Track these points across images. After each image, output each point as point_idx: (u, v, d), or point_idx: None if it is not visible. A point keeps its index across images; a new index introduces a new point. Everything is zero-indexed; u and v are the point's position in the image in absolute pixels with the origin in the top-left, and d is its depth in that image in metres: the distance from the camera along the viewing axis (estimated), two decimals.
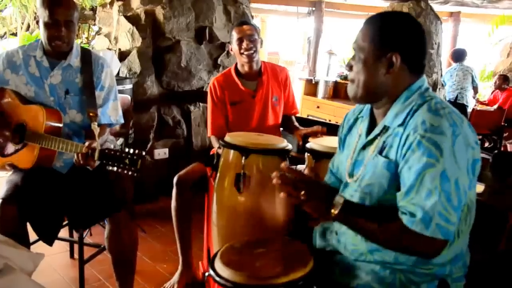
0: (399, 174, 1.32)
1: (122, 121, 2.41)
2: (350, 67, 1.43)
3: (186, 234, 2.65)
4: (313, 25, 7.27)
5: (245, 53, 2.65)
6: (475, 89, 6.79)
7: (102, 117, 2.29)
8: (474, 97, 6.89)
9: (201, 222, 2.71)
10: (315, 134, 2.54)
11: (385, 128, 1.40)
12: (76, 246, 2.88)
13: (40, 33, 2.19)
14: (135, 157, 1.85)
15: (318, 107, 6.14)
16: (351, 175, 1.52)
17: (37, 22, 2.29)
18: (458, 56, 6.63)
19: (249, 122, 2.72)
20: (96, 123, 2.15)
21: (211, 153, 2.86)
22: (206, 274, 1.52)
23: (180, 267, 2.68)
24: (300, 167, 2.29)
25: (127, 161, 1.85)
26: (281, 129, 2.90)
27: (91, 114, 2.16)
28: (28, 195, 2.11)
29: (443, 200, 1.23)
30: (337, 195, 1.37)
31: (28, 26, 6.54)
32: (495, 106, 6.77)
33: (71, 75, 2.23)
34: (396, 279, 1.38)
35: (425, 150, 1.25)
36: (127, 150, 1.87)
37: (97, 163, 1.98)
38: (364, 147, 1.48)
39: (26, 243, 2.11)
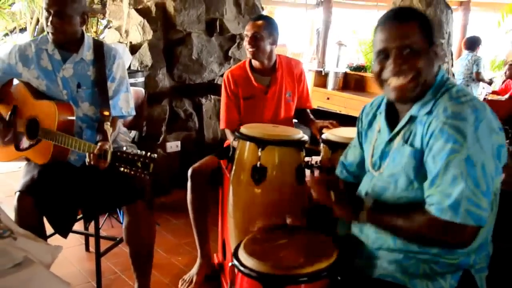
0: (425, 164, 1.32)
1: (134, 113, 2.40)
2: (399, 67, 1.34)
3: (203, 226, 2.65)
4: (321, 16, 7.24)
5: (249, 49, 2.64)
6: (477, 75, 6.50)
7: (113, 109, 2.27)
8: (477, 84, 6.69)
9: (215, 215, 2.71)
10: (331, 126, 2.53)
11: (412, 119, 1.39)
12: (91, 240, 2.92)
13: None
14: (147, 160, 1.84)
15: (328, 98, 6.12)
16: (375, 167, 1.51)
17: None
18: (471, 44, 6.50)
19: (261, 117, 2.70)
20: (109, 123, 2.14)
21: (225, 145, 2.87)
22: (230, 264, 1.52)
23: (198, 260, 2.69)
24: (315, 158, 2.30)
25: (139, 164, 1.85)
26: (295, 120, 2.89)
27: (105, 113, 2.16)
28: (44, 188, 2.12)
29: (471, 185, 1.22)
30: (365, 197, 1.40)
31: (37, 21, 6.56)
32: (507, 96, 6.70)
33: (83, 68, 2.23)
34: (419, 269, 1.37)
35: (448, 136, 1.24)
36: (139, 152, 1.87)
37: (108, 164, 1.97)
38: (390, 140, 1.46)
39: (43, 236, 2.12)
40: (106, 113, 2.16)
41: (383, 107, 1.52)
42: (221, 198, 2.68)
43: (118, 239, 2.61)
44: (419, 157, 1.34)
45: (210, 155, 2.72)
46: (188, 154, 3.80)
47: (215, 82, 4.04)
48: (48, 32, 2.17)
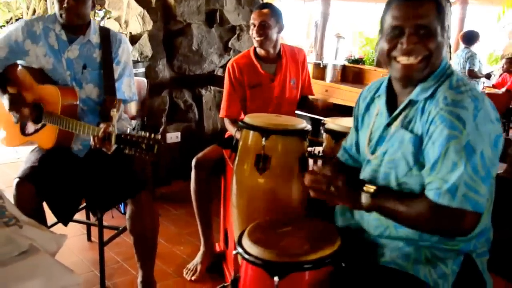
0: (423, 151, 1.33)
1: (136, 98, 2.43)
2: (413, 44, 1.34)
3: (206, 216, 2.67)
4: (320, 9, 7.24)
5: (256, 38, 2.64)
6: (470, 73, 6.41)
7: (117, 92, 2.29)
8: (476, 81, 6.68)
9: (216, 205, 2.73)
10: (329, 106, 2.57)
11: (411, 103, 1.40)
12: (93, 229, 2.93)
13: (55, 8, 2.21)
14: (151, 142, 1.85)
15: (326, 90, 6.13)
16: (373, 152, 1.52)
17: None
18: (469, 39, 6.48)
19: (267, 105, 2.71)
20: (115, 110, 2.15)
21: (226, 135, 2.88)
22: (234, 252, 1.52)
23: (202, 248, 2.71)
24: (318, 148, 2.31)
25: (143, 146, 1.86)
26: (296, 111, 2.90)
27: (109, 106, 2.17)
28: (45, 175, 2.12)
29: (469, 171, 1.23)
30: (367, 184, 1.39)
31: (34, 11, 6.51)
32: (503, 89, 6.74)
33: (89, 50, 2.25)
34: (421, 256, 1.39)
35: (447, 123, 1.25)
36: (143, 134, 1.87)
37: (114, 147, 1.98)
38: (388, 124, 1.47)
39: (43, 224, 2.13)
40: (110, 105, 2.17)
41: (383, 90, 1.52)
42: (223, 188, 2.69)
43: (120, 228, 2.62)
44: (418, 143, 1.34)
45: (213, 144, 2.73)
46: (188, 145, 3.80)
47: (215, 73, 4.04)
48: (60, 14, 2.17)
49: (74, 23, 2.21)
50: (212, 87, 4.00)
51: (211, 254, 2.71)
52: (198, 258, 2.71)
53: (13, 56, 2.28)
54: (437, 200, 1.25)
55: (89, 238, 2.95)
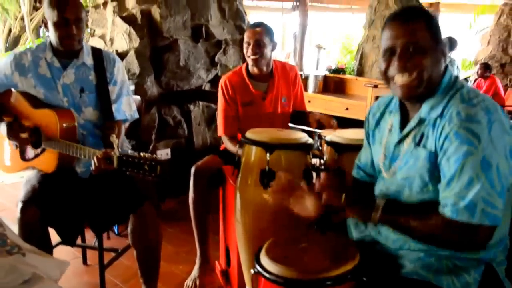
0: (439, 166, 1.33)
1: (137, 116, 2.40)
2: (404, 63, 1.36)
3: (204, 226, 2.65)
4: (298, 20, 7.31)
5: (251, 57, 2.64)
6: None
7: (117, 113, 2.27)
8: None
9: (213, 221, 2.70)
10: (328, 124, 2.57)
11: (421, 121, 1.41)
12: (88, 252, 2.86)
13: (50, 34, 2.16)
14: (153, 163, 1.82)
15: (309, 101, 6.14)
16: (387, 170, 1.53)
17: (45, 25, 2.25)
18: (448, 45, 6.63)
19: (259, 122, 2.70)
20: (114, 135, 2.11)
21: (221, 148, 2.86)
22: (253, 271, 1.50)
23: (198, 261, 2.68)
24: (315, 160, 2.31)
25: (146, 167, 1.83)
26: (291, 124, 2.90)
27: (109, 130, 2.13)
28: (49, 197, 2.08)
29: (487, 186, 1.24)
30: (378, 198, 1.41)
31: (10, 31, 6.40)
32: None
33: (85, 73, 2.21)
34: (443, 265, 1.39)
35: (463, 139, 1.26)
36: (145, 155, 1.85)
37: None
38: (399, 141, 1.48)
39: (48, 247, 2.09)
40: (110, 129, 2.13)
41: (394, 105, 1.53)
42: (222, 204, 2.67)
43: (120, 250, 2.57)
44: (433, 159, 1.35)
45: (211, 154, 2.71)
46: (179, 162, 3.76)
47: (203, 88, 4.03)
48: (60, 41, 2.13)
49: (75, 48, 2.18)
50: (200, 102, 3.98)
51: (207, 267, 2.68)
52: (195, 272, 2.67)
53: (3, 88, 2.26)
54: (455, 218, 1.25)
55: (84, 262, 2.87)
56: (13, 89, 2.26)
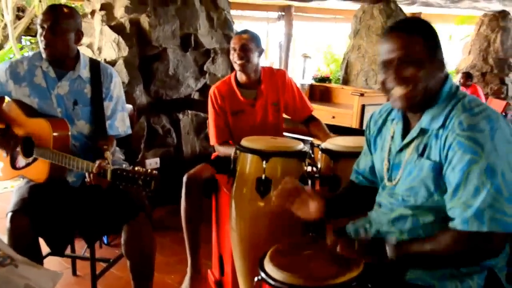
0: (444, 177, 1.34)
1: (130, 131, 2.39)
2: (401, 79, 1.38)
3: (195, 236, 2.62)
4: (283, 30, 7.37)
5: (237, 62, 2.65)
6: None
7: (110, 129, 2.25)
8: None
9: (204, 230, 2.68)
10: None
11: (422, 131, 1.42)
12: (78, 263, 2.82)
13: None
14: (148, 178, 1.81)
15: None
16: (389, 179, 1.54)
17: None
18: None
19: (250, 129, 2.71)
20: (108, 152, 2.09)
21: (212, 157, 2.85)
22: (256, 278, 1.49)
23: (189, 271, 2.65)
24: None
25: (140, 182, 1.82)
26: (291, 135, 2.90)
27: (104, 147, 2.11)
28: (39, 206, 2.05)
29: (493, 192, 1.24)
30: (388, 237, 1.40)
31: None
32: None
33: (80, 86, 2.19)
34: (446, 271, 1.40)
35: (466, 148, 1.27)
36: (139, 169, 1.84)
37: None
38: (401, 150, 1.49)
39: (38, 257, 2.05)
40: (105, 146, 2.11)
41: (396, 114, 1.55)
42: (215, 213, 2.66)
43: (111, 260, 2.54)
44: (438, 170, 1.36)
45: (204, 163, 2.69)
46: (168, 170, 3.73)
47: (192, 97, 4.02)
48: (43, 49, 2.11)
49: (55, 57, 2.14)
50: (189, 111, 3.97)
51: (198, 277, 2.65)
52: (186, 282, 2.65)
53: None
54: (466, 229, 1.26)
55: (74, 273, 2.82)
56: (7, 97, 2.23)
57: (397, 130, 1.53)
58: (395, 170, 1.51)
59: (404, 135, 1.49)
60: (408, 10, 7.48)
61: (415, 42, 1.37)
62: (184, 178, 2.58)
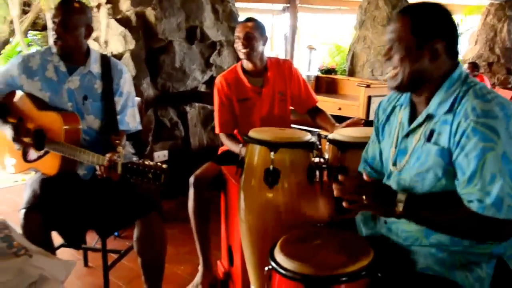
0: (454, 163, 1.34)
1: (140, 127, 2.42)
2: (388, 58, 1.45)
3: (205, 234, 2.65)
4: (288, 22, 7.33)
5: (242, 50, 2.66)
6: None
7: (121, 124, 2.28)
8: None
9: (214, 222, 2.71)
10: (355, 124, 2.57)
11: (429, 116, 1.43)
12: (89, 254, 2.86)
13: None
14: (158, 171, 1.84)
15: None
16: (394, 164, 1.55)
17: None
18: None
19: (256, 118, 2.73)
20: (120, 147, 2.12)
21: (219, 152, 2.87)
22: (267, 268, 1.51)
23: (201, 268, 2.68)
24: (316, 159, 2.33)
25: (150, 175, 1.85)
26: (298, 126, 2.92)
27: (116, 141, 2.12)
28: (51, 202, 2.08)
29: (509, 181, 1.25)
30: (399, 192, 1.40)
31: None
32: None
33: (90, 81, 2.21)
34: (456, 261, 1.41)
35: (481, 135, 1.27)
36: (149, 163, 1.86)
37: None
38: (407, 135, 1.51)
39: (51, 249, 2.09)
40: (118, 141, 2.13)
41: (404, 100, 1.57)
42: (224, 204, 2.68)
43: (122, 252, 2.57)
44: (447, 155, 1.36)
45: (209, 162, 2.72)
46: (176, 163, 3.76)
47: (198, 89, 4.04)
48: (54, 43, 2.14)
49: (65, 51, 2.17)
50: (196, 104, 3.99)
51: (210, 274, 2.69)
52: (197, 278, 2.68)
53: (9, 88, 2.26)
54: (482, 213, 1.27)
55: (85, 264, 2.86)
56: (19, 91, 2.25)
57: (404, 115, 1.54)
58: (400, 155, 1.52)
59: (411, 121, 1.51)
60: (414, 0, 7.42)
61: (402, 29, 1.41)
62: (191, 179, 2.60)
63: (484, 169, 1.27)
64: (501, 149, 1.26)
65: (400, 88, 1.47)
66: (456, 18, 8.56)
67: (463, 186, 1.31)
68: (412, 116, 1.52)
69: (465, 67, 7.56)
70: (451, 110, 1.37)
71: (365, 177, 1.45)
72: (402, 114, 1.56)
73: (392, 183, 1.55)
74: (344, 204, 1.43)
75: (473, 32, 8.72)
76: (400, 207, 1.37)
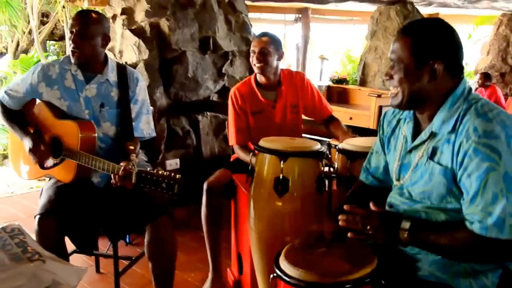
0: (459, 183, 1.36)
1: (154, 134, 2.46)
2: (390, 77, 1.48)
3: (217, 241, 2.68)
4: (300, 32, 7.40)
5: (256, 65, 2.70)
6: None
7: (135, 131, 2.32)
8: None
9: (224, 230, 2.74)
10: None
11: (433, 134, 1.45)
12: (101, 260, 2.90)
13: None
14: (172, 182, 1.88)
15: None
16: (398, 178, 1.57)
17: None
18: None
19: (269, 130, 2.75)
20: (134, 155, 2.17)
21: (232, 159, 2.91)
22: (272, 275, 1.54)
23: (210, 275, 2.71)
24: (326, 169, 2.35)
25: (164, 185, 1.89)
26: (309, 136, 2.95)
27: (131, 148, 2.19)
28: (65, 208, 2.12)
29: (511, 201, 1.26)
30: (403, 220, 1.41)
31: (18, 44, 6.49)
32: None
33: (107, 89, 2.27)
34: (461, 268, 1.42)
35: (483, 155, 1.28)
36: (163, 173, 1.90)
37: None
38: (410, 151, 1.53)
39: (64, 256, 2.12)
40: (132, 147, 2.18)
41: (408, 114, 1.58)
42: (234, 212, 2.71)
43: (133, 258, 2.61)
44: (450, 175, 1.38)
45: (221, 168, 2.75)
46: (188, 171, 3.81)
47: (211, 99, 4.09)
48: (72, 53, 2.21)
49: (82, 61, 2.22)
50: (208, 113, 4.03)
51: (219, 281, 2.71)
52: (207, 285, 2.70)
53: (29, 96, 2.33)
54: (485, 234, 1.28)
55: (97, 270, 2.91)
56: (37, 99, 2.32)
57: (408, 130, 1.56)
58: (404, 170, 1.55)
59: (414, 136, 1.53)
60: (425, 11, 7.44)
61: (403, 47, 1.44)
62: (205, 186, 2.64)
63: (486, 189, 1.28)
64: (503, 169, 1.27)
65: (401, 107, 1.50)
66: (467, 28, 8.58)
67: (467, 207, 1.33)
68: (416, 131, 1.54)
69: (477, 77, 7.54)
70: (454, 129, 1.38)
71: (372, 206, 1.47)
72: (406, 128, 1.58)
73: (396, 196, 1.58)
74: (349, 234, 1.44)
75: (486, 43, 8.70)
76: (404, 234, 1.39)
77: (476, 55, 9.03)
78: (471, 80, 8.60)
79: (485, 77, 7.29)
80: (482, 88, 7.28)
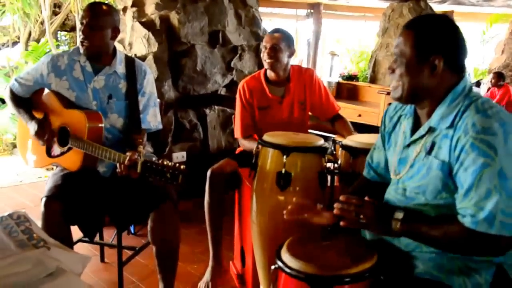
0: (455, 177, 1.37)
1: (161, 127, 2.49)
2: (392, 70, 1.49)
3: (218, 229, 2.70)
4: (311, 27, 7.37)
5: (266, 60, 2.70)
6: None
7: (142, 123, 2.35)
8: None
9: (227, 223, 2.76)
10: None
11: (431, 129, 1.45)
12: (106, 250, 2.94)
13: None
14: (176, 172, 1.90)
15: None
16: (395, 172, 1.58)
17: None
18: None
19: (276, 126, 2.76)
20: (141, 146, 2.19)
21: (237, 151, 2.92)
22: (273, 266, 1.56)
23: (211, 263, 2.73)
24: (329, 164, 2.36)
25: (168, 175, 1.91)
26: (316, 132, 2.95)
27: (139, 140, 2.22)
28: (70, 193, 2.16)
29: (504, 197, 1.27)
30: (396, 210, 1.43)
31: (29, 35, 6.55)
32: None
33: (115, 81, 2.30)
34: (455, 266, 1.43)
35: (479, 151, 1.29)
36: (168, 163, 1.92)
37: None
38: (408, 145, 1.53)
39: (70, 243, 2.17)
40: (140, 140, 2.21)
41: (409, 109, 1.59)
42: (238, 205, 2.73)
43: (137, 248, 2.64)
44: (446, 169, 1.39)
45: (227, 158, 2.77)
46: (194, 164, 3.83)
47: (219, 92, 4.10)
48: (81, 43, 2.23)
49: (91, 52, 2.25)
50: (216, 107, 4.05)
51: (219, 269, 2.74)
52: (207, 274, 2.72)
53: (38, 86, 2.36)
54: (475, 228, 1.29)
55: (102, 259, 2.95)
56: (46, 88, 2.36)
57: (407, 125, 1.57)
58: (401, 165, 1.56)
59: (413, 131, 1.53)
60: (439, 8, 7.37)
61: (406, 41, 1.44)
62: (208, 173, 2.66)
63: (480, 184, 1.29)
64: (498, 166, 1.28)
65: (401, 100, 1.51)
66: (481, 26, 8.48)
67: (460, 200, 1.34)
68: (415, 126, 1.54)
69: (490, 76, 7.45)
70: (452, 125, 1.39)
71: (366, 197, 1.49)
72: (405, 124, 1.59)
73: (392, 193, 1.59)
74: (341, 223, 1.47)
75: (500, 41, 8.60)
76: (397, 224, 1.41)
77: (490, 54, 8.93)
78: (484, 79, 8.52)
79: (498, 77, 7.20)
80: (495, 87, 7.20)
